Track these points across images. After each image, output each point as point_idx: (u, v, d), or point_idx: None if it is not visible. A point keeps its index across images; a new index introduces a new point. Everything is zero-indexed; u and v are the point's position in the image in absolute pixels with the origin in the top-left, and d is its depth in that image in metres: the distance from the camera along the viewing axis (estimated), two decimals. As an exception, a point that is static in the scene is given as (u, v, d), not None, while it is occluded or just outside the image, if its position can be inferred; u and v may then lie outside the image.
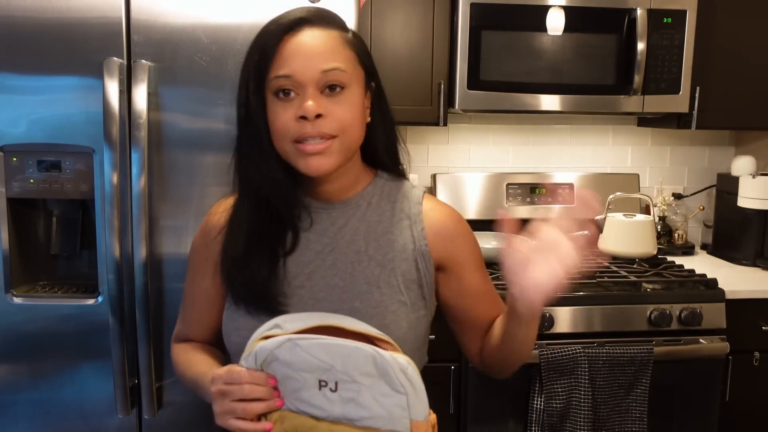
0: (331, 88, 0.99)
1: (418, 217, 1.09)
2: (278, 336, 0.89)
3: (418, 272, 1.07)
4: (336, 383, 0.88)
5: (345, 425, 0.89)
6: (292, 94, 0.98)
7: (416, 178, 2.47)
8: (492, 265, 2.18)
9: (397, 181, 1.14)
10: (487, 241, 1.84)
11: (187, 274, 1.17)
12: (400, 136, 1.13)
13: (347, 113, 1.00)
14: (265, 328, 0.92)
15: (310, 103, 0.97)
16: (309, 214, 1.07)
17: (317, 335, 0.88)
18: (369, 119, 1.07)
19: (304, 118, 0.97)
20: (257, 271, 1.02)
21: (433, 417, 0.93)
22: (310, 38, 0.99)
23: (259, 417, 0.91)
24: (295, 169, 1.02)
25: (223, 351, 1.13)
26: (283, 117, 0.98)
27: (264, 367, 0.90)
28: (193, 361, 1.12)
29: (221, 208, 1.12)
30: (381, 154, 1.11)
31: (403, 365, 0.88)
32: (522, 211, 2.50)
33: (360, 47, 1.05)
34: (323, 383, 0.88)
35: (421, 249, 1.07)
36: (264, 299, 1.02)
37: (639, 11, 2.11)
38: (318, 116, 0.97)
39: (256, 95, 1.00)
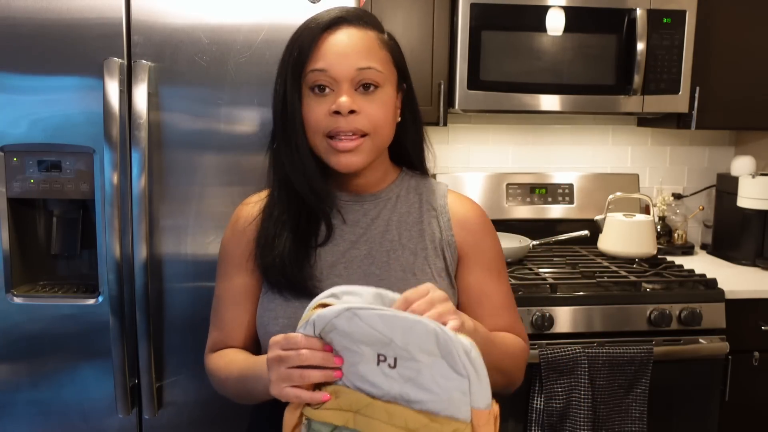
0: (365, 87, 1.01)
1: (444, 209, 1.12)
2: (336, 306, 0.83)
3: (446, 262, 1.10)
4: (395, 359, 0.82)
5: (401, 406, 0.83)
6: (327, 90, 1.01)
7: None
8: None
9: (422, 178, 1.17)
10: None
11: (218, 276, 1.16)
12: (427, 137, 1.16)
13: (380, 112, 1.02)
14: (322, 296, 0.87)
15: (344, 98, 0.99)
16: (339, 210, 1.09)
17: (378, 306, 0.82)
18: (399, 119, 1.10)
19: (337, 113, 0.99)
20: (284, 251, 1.04)
21: (496, 408, 0.84)
22: (347, 36, 1.01)
23: (314, 388, 0.87)
24: (327, 163, 1.05)
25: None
26: (317, 111, 1.01)
27: (323, 336, 0.85)
28: (236, 359, 1.09)
29: (253, 200, 1.15)
30: (409, 152, 1.14)
31: (467, 346, 0.80)
32: (522, 211, 2.50)
33: (395, 49, 1.07)
34: (382, 358, 0.82)
35: (448, 239, 1.10)
36: (297, 282, 1.03)
37: (639, 11, 2.11)
38: (351, 112, 1.00)
39: (293, 89, 1.02)
